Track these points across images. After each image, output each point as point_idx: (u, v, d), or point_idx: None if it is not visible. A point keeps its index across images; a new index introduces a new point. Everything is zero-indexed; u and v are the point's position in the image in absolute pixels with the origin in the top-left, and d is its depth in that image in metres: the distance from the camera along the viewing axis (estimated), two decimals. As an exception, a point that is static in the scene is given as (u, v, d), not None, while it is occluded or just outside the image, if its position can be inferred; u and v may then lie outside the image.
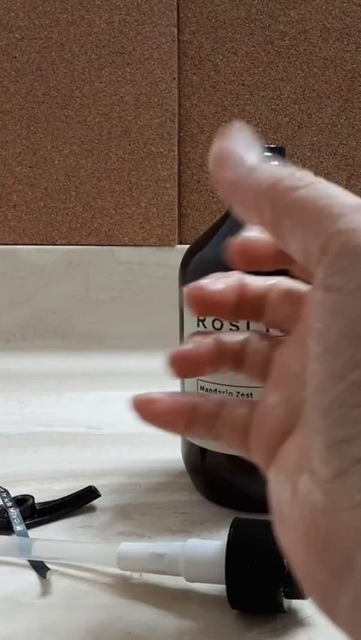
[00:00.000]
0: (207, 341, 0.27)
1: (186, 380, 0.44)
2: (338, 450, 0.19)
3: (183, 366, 0.27)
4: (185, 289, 0.27)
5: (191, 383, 0.43)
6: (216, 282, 0.27)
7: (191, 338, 0.27)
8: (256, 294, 0.27)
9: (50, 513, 0.43)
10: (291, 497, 0.21)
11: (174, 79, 0.85)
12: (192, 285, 0.26)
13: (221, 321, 0.41)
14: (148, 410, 0.26)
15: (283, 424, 0.23)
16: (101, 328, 0.85)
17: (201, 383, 0.42)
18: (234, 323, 0.40)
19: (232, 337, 0.28)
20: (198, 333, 0.28)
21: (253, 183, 0.22)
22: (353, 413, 0.19)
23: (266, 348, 0.27)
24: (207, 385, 0.42)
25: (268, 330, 0.30)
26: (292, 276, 0.27)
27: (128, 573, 0.36)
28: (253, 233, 0.26)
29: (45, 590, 0.35)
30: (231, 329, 0.40)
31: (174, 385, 0.46)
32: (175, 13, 0.84)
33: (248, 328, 0.40)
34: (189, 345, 0.27)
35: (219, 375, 0.41)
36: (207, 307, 0.27)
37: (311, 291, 0.21)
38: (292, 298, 0.26)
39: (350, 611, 0.19)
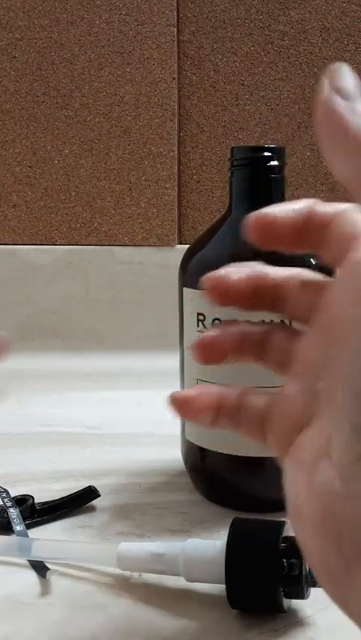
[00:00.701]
0: (231, 329, 0.27)
1: (185, 381, 0.44)
2: None
3: (209, 352, 0.27)
4: (204, 280, 0.26)
5: (190, 383, 0.43)
6: (235, 272, 0.27)
7: (215, 326, 0.27)
8: (275, 284, 0.27)
9: (49, 513, 0.43)
10: (307, 486, 0.21)
11: (174, 79, 0.85)
12: (210, 274, 0.26)
13: (221, 321, 0.41)
14: (186, 408, 0.27)
15: (301, 414, 0.23)
16: (101, 328, 0.85)
17: (201, 383, 0.42)
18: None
19: (253, 328, 0.28)
20: (222, 322, 0.28)
21: None
22: None
23: (286, 340, 0.27)
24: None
25: (289, 323, 0.30)
26: (311, 269, 0.27)
27: (127, 573, 0.36)
28: (276, 209, 0.25)
29: (45, 590, 0.35)
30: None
31: (173, 385, 0.46)
32: (175, 13, 0.84)
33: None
34: (213, 332, 0.27)
35: (219, 372, 0.41)
36: (227, 297, 0.27)
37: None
38: (311, 289, 0.26)
39: None
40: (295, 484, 0.22)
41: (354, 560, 0.19)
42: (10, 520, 0.40)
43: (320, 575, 0.21)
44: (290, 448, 0.23)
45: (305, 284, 0.26)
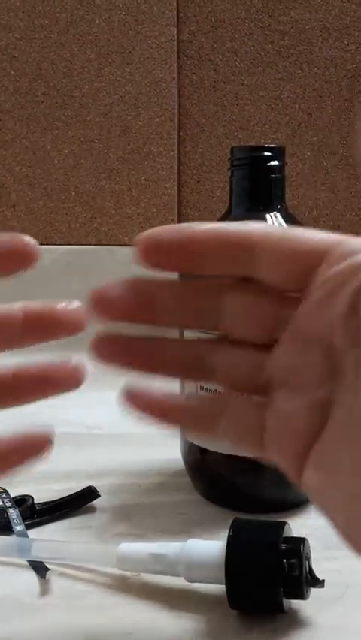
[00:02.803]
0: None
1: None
2: None
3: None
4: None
5: (190, 383, 0.43)
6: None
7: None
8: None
9: (49, 513, 0.43)
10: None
11: (174, 78, 0.85)
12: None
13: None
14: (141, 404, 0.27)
15: (310, 425, 0.23)
16: (100, 328, 0.85)
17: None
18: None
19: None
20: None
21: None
22: None
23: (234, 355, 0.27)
24: (206, 385, 0.42)
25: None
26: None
27: (127, 574, 0.36)
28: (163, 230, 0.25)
29: (44, 590, 0.35)
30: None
31: (173, 385, 0.46)
32: (175, 12, 0.84)
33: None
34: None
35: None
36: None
37: None
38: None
39: None
40: (335, 493, 0.22)
41: None
42: (10, 520, 0.40)
43: None
44: (308, 461, 0.23)
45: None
